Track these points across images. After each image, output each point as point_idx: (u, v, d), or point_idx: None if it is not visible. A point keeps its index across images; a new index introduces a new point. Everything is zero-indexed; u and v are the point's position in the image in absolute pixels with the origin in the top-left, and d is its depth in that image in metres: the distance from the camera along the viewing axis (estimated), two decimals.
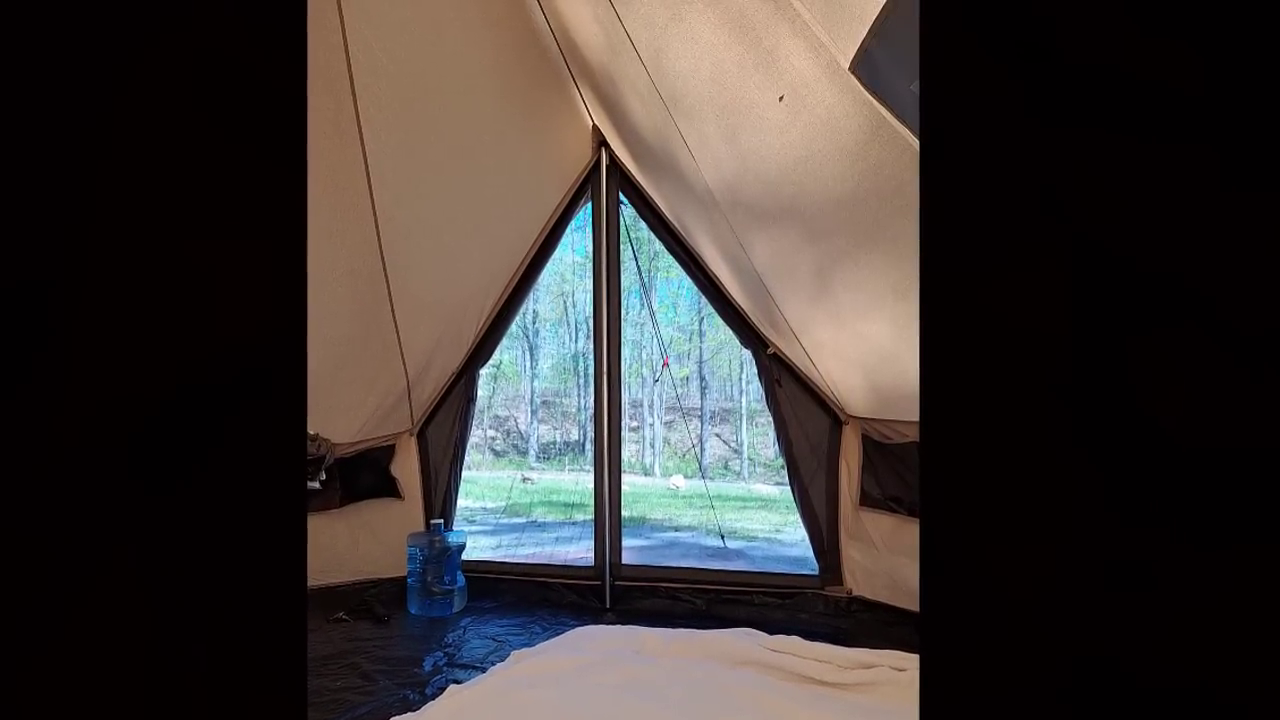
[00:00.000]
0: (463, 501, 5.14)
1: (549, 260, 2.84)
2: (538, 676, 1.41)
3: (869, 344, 2.05)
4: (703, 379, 12.42)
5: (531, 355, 12.97)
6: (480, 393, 2.98)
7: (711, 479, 10.84)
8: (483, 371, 2.91)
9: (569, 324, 13.11)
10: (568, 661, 1.49)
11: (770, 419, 2.60)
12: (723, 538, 5.00)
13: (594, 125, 2.60)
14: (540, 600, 2.70)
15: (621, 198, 2.69)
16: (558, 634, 1.81)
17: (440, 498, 2.85)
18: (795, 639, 1.56)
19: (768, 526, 6.10)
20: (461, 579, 2.65)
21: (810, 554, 2.55)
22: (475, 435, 8.29)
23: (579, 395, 12.70)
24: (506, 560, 3.13)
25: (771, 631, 1.65)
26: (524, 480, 9.39)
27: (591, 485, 2.79)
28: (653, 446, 11.95)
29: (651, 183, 2.55)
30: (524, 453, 12.47)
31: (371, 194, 2.14)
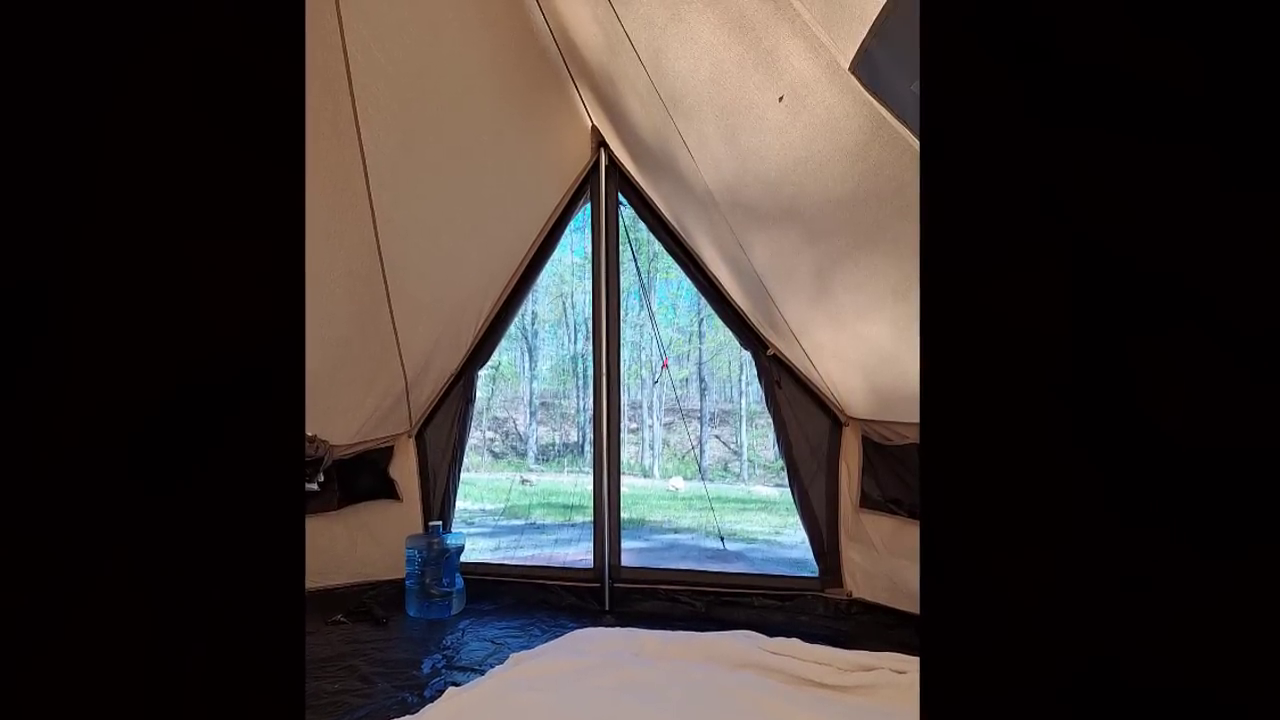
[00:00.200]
0: (461, 503, 5.14)
1: (548, 261, 2.84)
2: (537, 679, 1.41)
3: (869, 345, 2.05)
4: (702, 380, 12.43)
5: (530, 357, 12.98)
6: (479, 394, 2.98)
7: (711, 481, 10.85)
8: (481, 373, 2.91)
9: (568, 325, 13.12)
10: (567, 664, 1.48)
11: (770, 420, 2.59)
12: (722, 540, 5.00)
13: (593, 126, 2.60)
14: (539, 602, 2.69)
15: (621, 198, 2.69)
16: (557, 636, 1.81)
17: (439, 499, 2.85)
18: (795, 641, 1.56)
19: (767, 528, 6.10)
20: (460, 581, 2.64)
21: (810, 556, 2.55)
22: (474, 437, 8.30)
23: (578, 397, 12.70)
24: (505, 562, 3.13)
25: (771, 634, 1.65)
26: (523, 482, 9.40)
27: (590, 487, 2.79)
28: (652, 448, 11.96)
29: (651, 183, 2.55)
30: (523, 454, 12.47)
31: (370, 194, 2.14)
